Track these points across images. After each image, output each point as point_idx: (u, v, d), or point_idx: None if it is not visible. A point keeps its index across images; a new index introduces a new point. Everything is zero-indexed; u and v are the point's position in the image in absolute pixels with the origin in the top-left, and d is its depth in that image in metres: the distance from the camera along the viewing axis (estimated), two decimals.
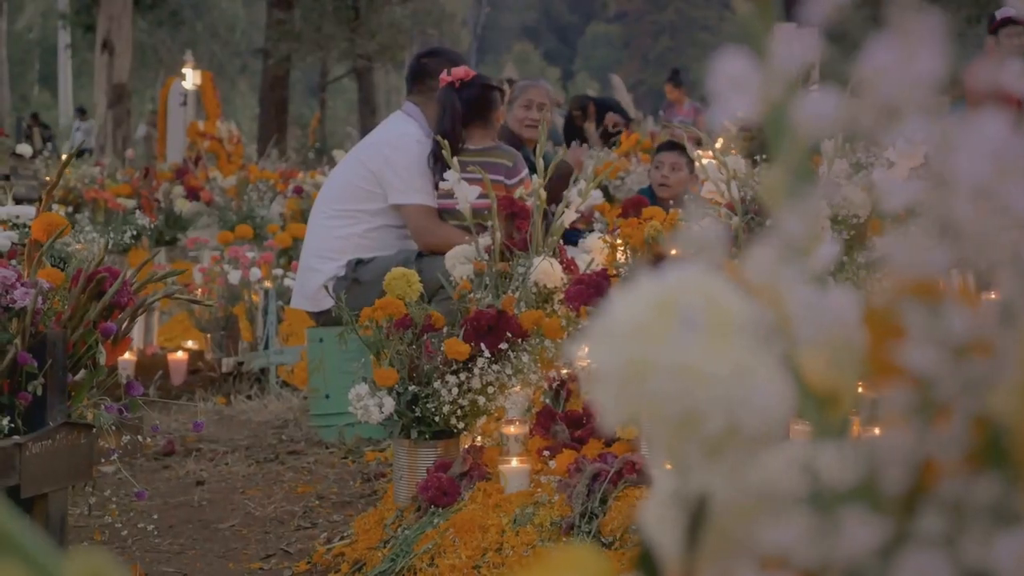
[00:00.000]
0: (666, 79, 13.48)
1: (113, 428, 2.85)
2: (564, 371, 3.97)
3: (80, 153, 15.63)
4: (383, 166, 4.96)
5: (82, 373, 2.84)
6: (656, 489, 0.68)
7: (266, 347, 5.98)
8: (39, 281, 2.78)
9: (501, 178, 4.87)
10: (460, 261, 4.04)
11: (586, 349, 0.66)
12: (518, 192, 4.42)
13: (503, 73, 19.33)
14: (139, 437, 2.94)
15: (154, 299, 2.97)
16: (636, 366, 0.64)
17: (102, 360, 2.84)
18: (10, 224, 4.70)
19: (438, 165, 4.89)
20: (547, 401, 3.88)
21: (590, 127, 11.51)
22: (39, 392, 2.72)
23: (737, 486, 0.64)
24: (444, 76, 4.94)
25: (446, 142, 4.18)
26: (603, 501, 3.19)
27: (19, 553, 0.52)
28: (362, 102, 25.52)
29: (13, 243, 4.48)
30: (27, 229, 4.83)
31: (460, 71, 4.94)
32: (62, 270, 3.01)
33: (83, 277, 2.82)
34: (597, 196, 5.36)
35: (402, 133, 5.08)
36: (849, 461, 0.63)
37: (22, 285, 2.74)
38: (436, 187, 4.90)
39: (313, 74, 35.21)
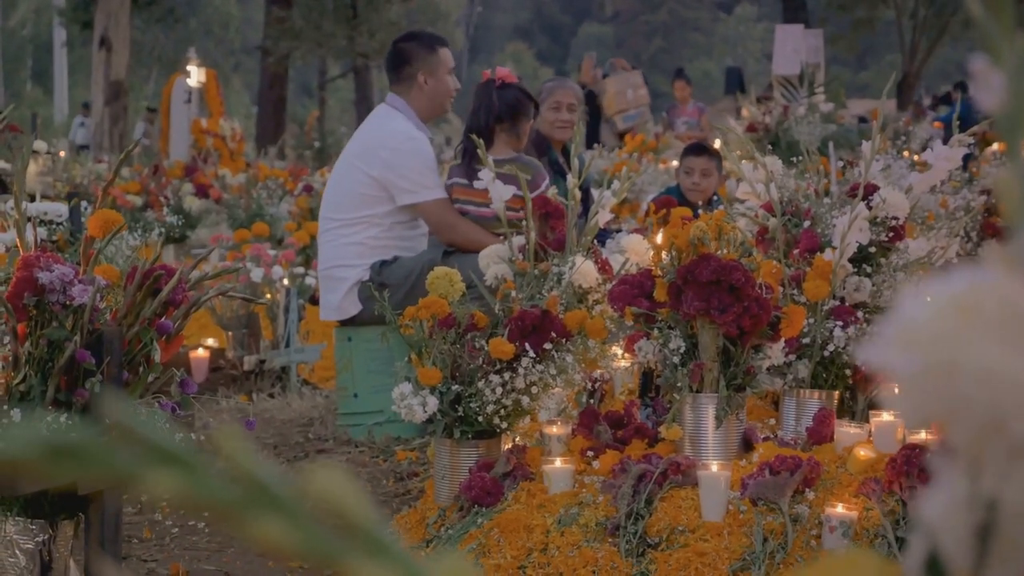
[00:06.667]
0: (673, 77, 13.52)
1: (166, 426, 2.83)
2: (600, 372, 3.97)
3: (80, 149, 15.56)
4: (384, 170, 4.86)
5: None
6: (944, 492, 0.67)
7: (287, 345, 5.97)
8: (96, 278, 2.76)
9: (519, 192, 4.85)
10: (494, 261, 4.03)
11: (879, 352, 0.66)
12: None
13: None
14: (191, 435, 2.93)
15: (208, 297, 2.96)
16: (941, 370, 0.63)
17: (157, 357, 2.83)
18: (39, 221, 4.68)
19: (466, 159, 4.87)
20: (589, 401, 3.88)
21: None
22: (96, 389, 2.71)
23: None
24: (487, 72, 4.92)
25: (481, 140, 4.17)
26: (648, 502, 3.18)
27: (389, 555, 0.52)
28: (359, 101, 25.54)
29: (43, 240, 4.46)
30: (56, 226, 4.81)
31: (504, 71, 4.93)
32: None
33: (139, 274, 2.81)
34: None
35: (392, 132, 4.95)
36: None
37: (79, 282, 2.72)
38: (470, 184, 4.83)
39: (307, 72, 35.17)
